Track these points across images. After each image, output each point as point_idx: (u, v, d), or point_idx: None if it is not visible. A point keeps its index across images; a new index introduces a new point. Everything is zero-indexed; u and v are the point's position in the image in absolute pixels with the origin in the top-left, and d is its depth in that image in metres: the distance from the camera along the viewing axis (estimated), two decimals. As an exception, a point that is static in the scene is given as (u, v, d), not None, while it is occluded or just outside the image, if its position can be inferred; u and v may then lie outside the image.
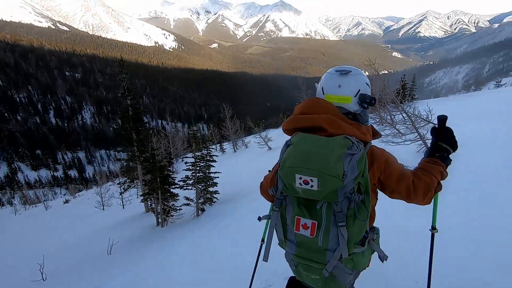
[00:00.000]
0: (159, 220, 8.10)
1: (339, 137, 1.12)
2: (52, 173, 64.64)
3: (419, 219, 2.56)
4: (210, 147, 12.39)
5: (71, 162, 72.05)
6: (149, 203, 10.00)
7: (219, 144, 21.67)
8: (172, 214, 8.06)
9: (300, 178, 1.08)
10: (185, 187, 8.08)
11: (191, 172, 7.87)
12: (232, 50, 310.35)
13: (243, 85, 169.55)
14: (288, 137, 1.24)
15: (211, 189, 8.19)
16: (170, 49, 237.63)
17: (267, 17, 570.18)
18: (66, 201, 18.55)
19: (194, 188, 7.90)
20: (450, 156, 1.32)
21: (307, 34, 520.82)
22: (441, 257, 2.08)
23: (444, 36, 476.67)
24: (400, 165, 1.25)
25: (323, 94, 1.29)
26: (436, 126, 1.35)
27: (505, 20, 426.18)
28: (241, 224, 5.42)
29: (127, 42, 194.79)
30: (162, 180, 7.71)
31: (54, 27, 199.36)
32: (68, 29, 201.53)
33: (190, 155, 8.99)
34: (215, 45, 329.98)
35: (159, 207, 7.94)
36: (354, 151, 1.07)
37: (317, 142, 1.12)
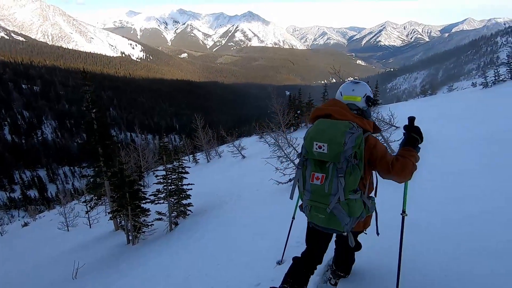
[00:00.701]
0: (130, 237, 7.71)
1: (346, 121, 1.72)
2: (8, 195, 59.16)
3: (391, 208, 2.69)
4: (183, 158, 12.09)
5: (30, 181, 66.50)
6: (118, 220, 9.51)
7: (192, 155, 21.26)
8: (143, 230, 7.72)
9: (316, 144, 1.68)
10: (156, 201, 7.80)
11: (162, 185, 7.62)
12: (202, 60, 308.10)
13: (215, 95, 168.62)
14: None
15: (184, 201, 7.97)
16: (137, 59, 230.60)
17: (236, 27, 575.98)
18: (25, 224, 17.07)
19: (166, 202, 7.65)
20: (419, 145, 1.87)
21: (275, 44, 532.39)
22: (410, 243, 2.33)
23: (402, 44, 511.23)
24: (385, 150, 1.77)
25: (341, 95, 1.94)
26: (408, 124, 1.90)
27: (453, 30, 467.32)
28: (215, 236, 5.32)
29: (91, 52, 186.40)
30: (131, 196, 7.38)
31: (8, 37, 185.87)
32: (25, 40, 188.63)
33: (161, 167, 8.71)
34: (184, 55, 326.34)
35: (129, 224, 7.58)
36: (354, 131, 1.66)
37: (329, 123, 1.74)
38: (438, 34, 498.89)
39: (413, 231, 2.63)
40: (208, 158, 19.35)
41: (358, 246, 2.29)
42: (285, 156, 7.44)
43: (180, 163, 8.11)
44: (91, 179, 11.52)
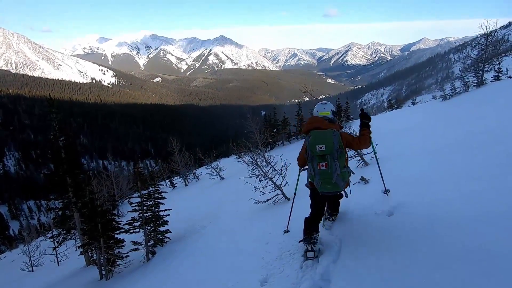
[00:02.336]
0: (103, 272, 7.18)
1: (329, 130, 2.94)
2: (-38, 236, 53.44)
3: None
4: (159, 183, 11.68)
5: (-11, 219, 60.75)
6: (90, 254, 8.86)
7: (168, 180, 20.65)
8: (118, 263, 7.24)
9: (318, 146, 2.83)
10: (131, 231, 7.38)
11: (137, 213, 7.27)
12: (176, 83, 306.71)
13: (191, 117, 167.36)
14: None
15: (161, 228, 7.62)
16: (109, 85, 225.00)
17: (210, 51, 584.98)
18: (-18, 268, 15.40)
19: (142, 230, 7.27)
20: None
21: (249, 66, 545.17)
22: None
23: (368, 63, 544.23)
24: (352, 136, 3.16)
25: (318, 112, 3.23)
26: (360, 114, 3.45)
27: (411, 49, 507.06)
28: (193, 263, 5.10)
29: (58, 79, 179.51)
30: (104, 226, 6.95)
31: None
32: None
33: (136, 194, 8.30)
34: (158, 79, 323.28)
35: (102, 258, 7.08)
36: (335, 134, 2.88)
37: (321, 132, 2.92)
38: (398, 53, 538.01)
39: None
40: (186, 181, 18.89)
41: (342, 196, 3.54)
42: (263, 175, 7.43)
43: (156, 188, 7.84)
44: (59, 212, 10.77)
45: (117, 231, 7.32)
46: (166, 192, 8.47)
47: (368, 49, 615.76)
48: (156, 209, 7.61)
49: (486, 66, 13.87)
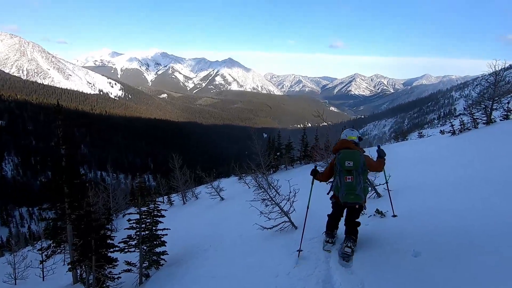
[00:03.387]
0: (91, 293, 6.66)
1: (357, 150, 3.67)
2: None
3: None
4: (158, 200, 11.28)
5: (-22, 224, 59.30)
6: (78, 272, 8.32)
7: (166, 196, 20.15)
8: (107, 284, 6.73)
9: (347, 162, 3.48)
10: (126, 250, 6.94)
11: (134, 230, 6.86)
12: (182, 101, 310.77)
13: (193, 135, 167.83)
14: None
15: (157, 249, 7.17)
16: (115, 98, 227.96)
17: (217, 72, 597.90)
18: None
19: (138, 250, 6.83)
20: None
21: (254, 89, 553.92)
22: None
23: (370, 94, 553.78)
24: (372, 159, 3.92)
25: (346, 136, 3.89)
26: (377, 150, 4.25)
27: (414, 84, 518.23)
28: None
29: (67, 89, 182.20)
30: (98, 243, 6.52)
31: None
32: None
33: (133, 210, 7.86)
34: (164, 95, 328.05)
35: (91, 277, 6.59)
36: (361, 154, 3.61)
37: (351, 151, 3.60)
38: (401, 87, 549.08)
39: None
40: (184, 199, 18.40)
41: (359, 223, 3.85)
42: (269, 199, 7.08)
43: (155, 205, 7.47)
44: (51, 223, 10.30)
45: (111, 249, 6.87)
46: (166, 210, 8.08)
47: (372, 81, 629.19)
48: (154, 228, 7.20)
49: (495, 104, 13.80)
